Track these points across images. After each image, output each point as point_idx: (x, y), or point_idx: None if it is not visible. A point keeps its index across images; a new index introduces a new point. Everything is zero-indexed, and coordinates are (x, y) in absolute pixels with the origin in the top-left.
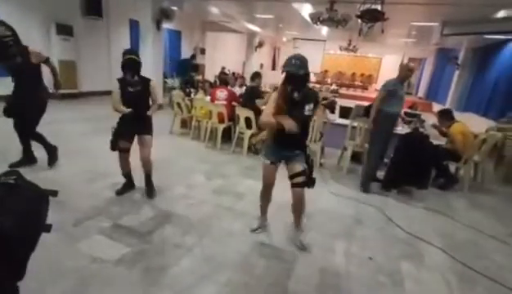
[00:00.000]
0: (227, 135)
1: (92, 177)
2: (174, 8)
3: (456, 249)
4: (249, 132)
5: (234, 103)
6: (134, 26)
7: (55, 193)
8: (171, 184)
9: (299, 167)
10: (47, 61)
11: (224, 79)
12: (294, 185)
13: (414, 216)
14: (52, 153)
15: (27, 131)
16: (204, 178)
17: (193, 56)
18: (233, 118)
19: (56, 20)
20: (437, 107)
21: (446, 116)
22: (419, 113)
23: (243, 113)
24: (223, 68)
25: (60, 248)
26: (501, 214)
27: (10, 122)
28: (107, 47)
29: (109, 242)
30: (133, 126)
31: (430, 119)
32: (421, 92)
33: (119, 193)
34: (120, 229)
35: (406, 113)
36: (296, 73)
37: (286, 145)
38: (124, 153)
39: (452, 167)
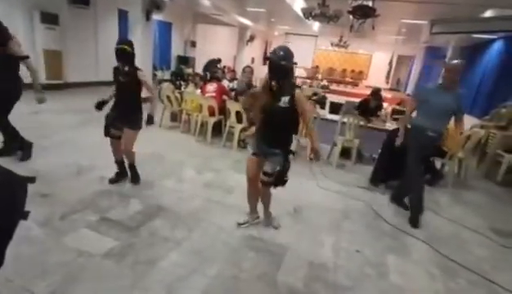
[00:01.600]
0: (218, 129)
1: (78, 170)
2: None
3: (440, 242)
4: (239, 126)
5: (224, 96)
6: (123, 16)
7: (32, 180)
8: (160, 178)
9: (268, 167)
10: (24, 58)
11: (215, 75)
12: (260, 180)
13: (400, 211)
14: (28, 149)
15: None
16: (195, 172)
17: (219, 60)
18: (224, 111)
19: (40, 8)
20: None
21: None
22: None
23: (234, 107)
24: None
25: (46, 243)
26: (483, 209)
27: None
28: (94, 37)
29: (96, 236)
30: (120, 116)
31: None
32: (410, 90)
33: (112, 181)
34: (108, 223)
35: (393, 110)
36: (277, 62)
37: (266, 140)
38: (114, 140)
39: (438, 163)
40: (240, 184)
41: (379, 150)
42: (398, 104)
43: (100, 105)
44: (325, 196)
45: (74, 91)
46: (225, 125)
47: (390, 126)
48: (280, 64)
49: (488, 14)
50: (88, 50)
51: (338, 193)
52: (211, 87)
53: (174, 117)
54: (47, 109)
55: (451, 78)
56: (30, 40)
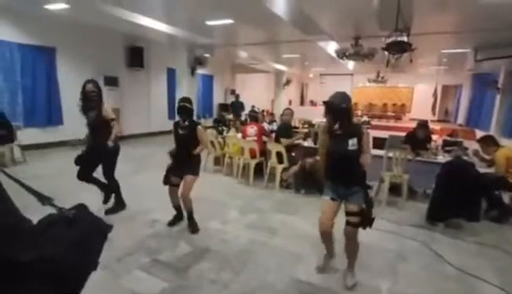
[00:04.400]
0: (259, 171)
1: (132, 214)
2: (207, 55)
3: None
4: (280, 167)
5: (264, 138)
6: (171, 73)
7: (109, 228)
8: (206, 220)
9: (354, 206)
10: (112, 120)
11: (254, 116)
12: (346, 223)
13: (465, 252)
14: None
15: (106, 175)
16: (238, 213)
17: (237, 96)
18: (264, 153)
19: (104, 73)
20: (480, 134)
21: (488, 142)
22: (460, 140)
23: (274, 148)
24: (253, 106)
25: (105, 284)
26: None
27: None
28: (147, 94)
29: (148, 278)
30: (182, 164)
31: (473, 147)
32: (461, 119)
33: (170, 224)
34: (159, 265)
35: (445, 142)
36: (337, 105)
37: (340, 181)
38: (173, 187)
39: (507, 197)
40: (283, 224)
41: (433, 185)
42: (450, 135)
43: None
44: (376, 236)
45: (128, 142)
46: (266, 166)
47: (442, 158)
48: (341, 107)
49: None
50: (142, 105)
51: (390, 233)
52: (252, 130)
53: (217, 161)
54: None
55: None
56: None
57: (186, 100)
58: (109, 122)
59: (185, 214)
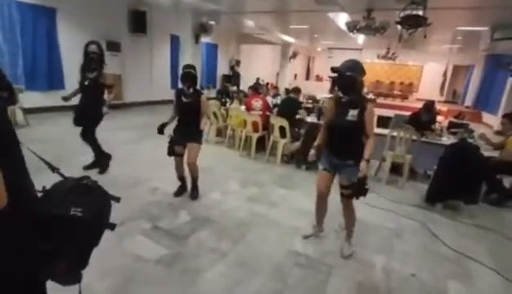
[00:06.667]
0: (261, 144)
1: (134, 181)
2: (212, 23)
3: (511, 271)
4: (282, 141)
5: (268, 112)
6: (175, 41)
7: (118, 200)
8: (206, 191)
9: (344, 180)
10: (109, 87)
11: (255, 88)
12: (340, 194)
13: (462, 233)
14: (105, 160)
15: (84, 137)
16: (239, 186)
17: (236, 62)
18: (267, 126)
19: (106, 38)
20: (487, 117)
21: None
22: (466, 122)
23: (277, 122)
24: (258, 79)
25: (107, 246)
26: None
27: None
28: (149, 61)
29: (150, 243)
30: (185, 133)
31: (480, 130)
32: (469, 101)
33: (176, 194)
34: (159, 231)
35: (451, 123)
36: (342, 72)
37: (336, 153)
38: (179, 157)
39: (507, 182)
40: (283, 198)
41: (435, 166)
42: (456, 116)
43: (162, 128)
44: (374, 213)
45: (131, 110)
46: (268, 140)
47: (447, 140)
48: (346, 75)
49: None
50: (144, 72)
51: (388, 211)
52: (257, 104)
53: (220, 132)
54: (109, 127)
55: None
56: None
57: (191, 66)
58: (104, 87)
59: (188, 183)
